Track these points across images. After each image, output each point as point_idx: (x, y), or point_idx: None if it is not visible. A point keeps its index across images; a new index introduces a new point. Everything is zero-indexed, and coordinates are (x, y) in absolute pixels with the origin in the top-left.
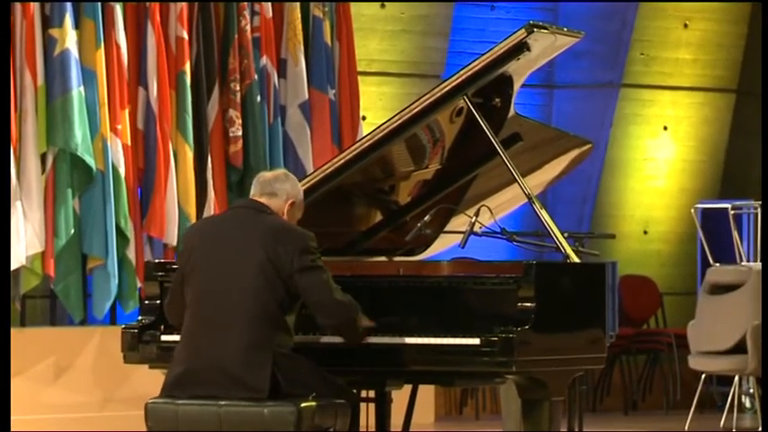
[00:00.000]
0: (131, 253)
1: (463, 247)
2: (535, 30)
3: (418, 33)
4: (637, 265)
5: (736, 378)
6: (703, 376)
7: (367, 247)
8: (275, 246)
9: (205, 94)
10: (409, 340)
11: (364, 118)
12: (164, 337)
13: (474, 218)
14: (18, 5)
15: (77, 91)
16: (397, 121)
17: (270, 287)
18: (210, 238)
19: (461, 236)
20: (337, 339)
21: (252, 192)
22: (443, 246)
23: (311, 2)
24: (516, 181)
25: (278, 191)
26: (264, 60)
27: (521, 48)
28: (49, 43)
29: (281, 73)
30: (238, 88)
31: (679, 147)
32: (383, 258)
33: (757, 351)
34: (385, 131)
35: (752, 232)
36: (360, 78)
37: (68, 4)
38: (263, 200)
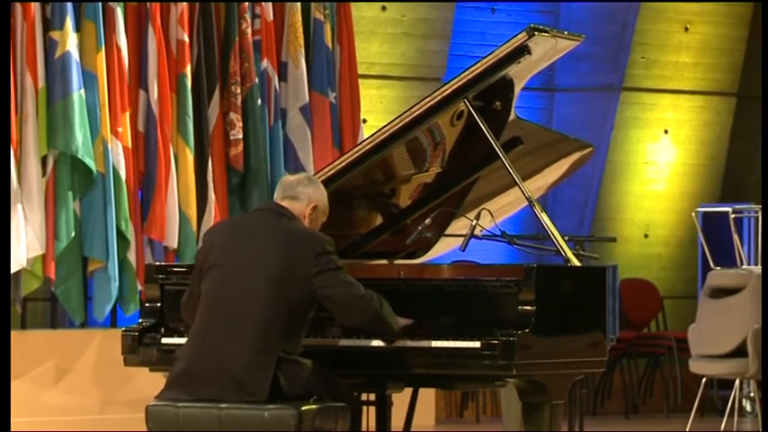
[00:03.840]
0: (132, 255)
1: (464, 251)
2: (536, 33)
3: (419, 36)
4: (637, 269)
5: (737, 382)
6: (704, 380)
7: (367, 249)
8: (293, 251)
9: (206, 96)
10: (410, 343)
11: (365, 121)
12: (164, 340)
13: (475, 221)
14: (19, 7)
15: (78, 93)
16: (397, 124)
17: (283, 293)
18: (230, 239)
19: (462, 239)
20: (337, 342)
21: (275, 195)
22: (444, 249)
23: (312, 2)
24: (517, 184)
25: (300, 194)
26: (265, 63)
27: (521, 51)
28: (49, 46)
29: (282, 76)
30: (239, 91)
31: (680, 150)
32: (384, 261)
33: (758, 354)
34: (386, 134)
35: (752, 236)
36: (360, 81)
37: (69, 7)
38: (284, 203)
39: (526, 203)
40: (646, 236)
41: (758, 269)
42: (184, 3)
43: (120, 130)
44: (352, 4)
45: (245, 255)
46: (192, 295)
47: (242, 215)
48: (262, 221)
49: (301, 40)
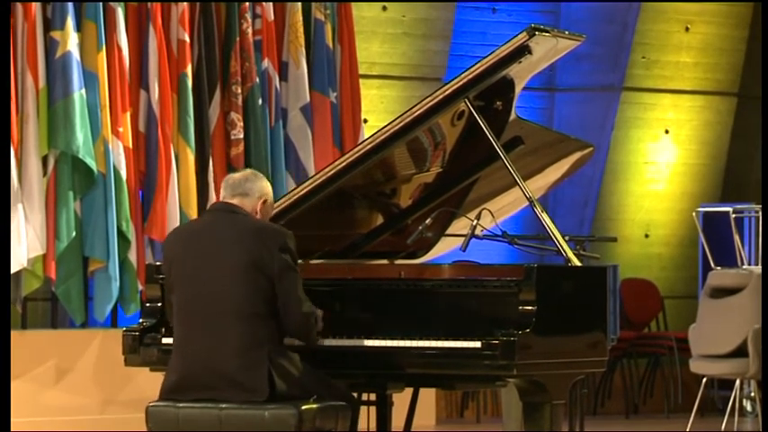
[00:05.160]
0: (133, 255)
1: (464, 251)
2: (537, 33)
3: (419, 36)
4: (638, 269)
5: (738, 381)
6: (704, 380)
7: (368, 249)
8: (257, 245)
9: (207, 96)
10: (410, 343)
11: (366, 121)
12: (165, 340)
13: (475, 221)
14: (19, 7)
15: (79, 93)
16: (398, 124)
17: (255, 286)
18: (190, 244)
19: (463, 239)
20: (338, 342)
21: (222, 195)
22: (445, 249)
23: (313, 2)
24: (517, 184)
25: (249, 190)
26: (266, 63)
27: (522, 51)
28: (50, 45)
29: (283, 76)
30: (240, 91)
31: (680, 150)
32: (384, 261)
33: (758, 355)
34: (386, 134)
35: (753, 236)
36: (361, 81)
37: (70, 6)
38: (235, 201)
39: (527, 203)
40: (646, 236)
41: (758, 269)
42: (185, 2)
43: (120, 129)
44: (353, 4)
45: (209, 258)
46: (168, 306)
47: (194, 220)
48: (216, 222)
49: (302, 40)
